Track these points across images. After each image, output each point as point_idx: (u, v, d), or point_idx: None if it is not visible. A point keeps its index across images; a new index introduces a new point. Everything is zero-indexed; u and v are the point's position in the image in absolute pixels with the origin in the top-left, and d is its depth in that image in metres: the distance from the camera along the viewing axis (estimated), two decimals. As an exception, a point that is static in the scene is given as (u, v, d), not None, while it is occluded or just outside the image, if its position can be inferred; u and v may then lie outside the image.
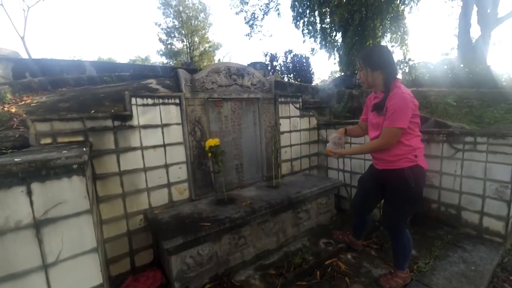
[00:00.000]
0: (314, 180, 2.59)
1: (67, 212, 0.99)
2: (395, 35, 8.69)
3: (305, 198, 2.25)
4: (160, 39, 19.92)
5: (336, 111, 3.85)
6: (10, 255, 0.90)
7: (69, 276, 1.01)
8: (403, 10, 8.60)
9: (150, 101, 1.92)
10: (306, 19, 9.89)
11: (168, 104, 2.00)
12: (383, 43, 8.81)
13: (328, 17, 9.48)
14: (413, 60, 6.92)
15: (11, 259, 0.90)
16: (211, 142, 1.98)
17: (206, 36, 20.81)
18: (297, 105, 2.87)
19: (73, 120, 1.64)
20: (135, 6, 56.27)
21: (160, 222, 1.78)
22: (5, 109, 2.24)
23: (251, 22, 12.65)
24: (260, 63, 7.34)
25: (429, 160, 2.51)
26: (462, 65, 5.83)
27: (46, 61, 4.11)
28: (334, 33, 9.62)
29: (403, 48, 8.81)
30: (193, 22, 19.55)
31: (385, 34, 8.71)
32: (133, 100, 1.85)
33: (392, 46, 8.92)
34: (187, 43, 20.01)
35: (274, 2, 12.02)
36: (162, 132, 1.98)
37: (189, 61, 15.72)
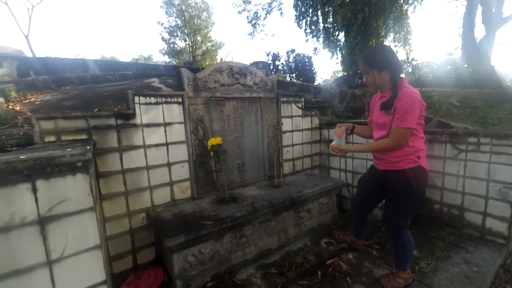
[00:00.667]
0: (316, 180, 2.59)
1: (71, 209, 1.00)
2: (398, 34, 8.64)
3: (307, 198, 2.25)
4: (162, 38, 19.99)
5: (338, 111, 3.84)
6: (15, 251, 0.91)
7: (73, 272, 1.02)
8: (406, 10, 8.55)
9: (153, 100, 1.93)
10: (308, 19, 9.86)
11: (171, 103, 2.01)
12: (386, 42, 8.76)
13: (331, 16, 9.45)
14: (416, 60, 6.87)
15: (16, 255, 0.91)
16: (214, 141, 1.99)
17: (208, 35, 20.84)
18: (299, 105, 2.87)
19: (77, 118, 1.65)
20: (138, 5, 56.46)
21: (162, 220, 1.79)
22: (10, 107, 2.26)
23: (253, 21, 12.65)
24: (263, 62, 7.33)
25: (432, 161, 2.50)
26: (466, 65, 5.78)
27: (50, 59, 4.14)
28: (337, 33, 9.58)
29: (406, 47, 8.77)
30: (195, 21, 19.57)
31: (388, 34, 8.67)
32: (136, 99, 1.86)
33: (395, 46, 8.87)
34: (190, 42, 20.04)
35: (276, 1, 12.02)
36: (165, 131, 1.99)
37: (192, 60, 15.74)
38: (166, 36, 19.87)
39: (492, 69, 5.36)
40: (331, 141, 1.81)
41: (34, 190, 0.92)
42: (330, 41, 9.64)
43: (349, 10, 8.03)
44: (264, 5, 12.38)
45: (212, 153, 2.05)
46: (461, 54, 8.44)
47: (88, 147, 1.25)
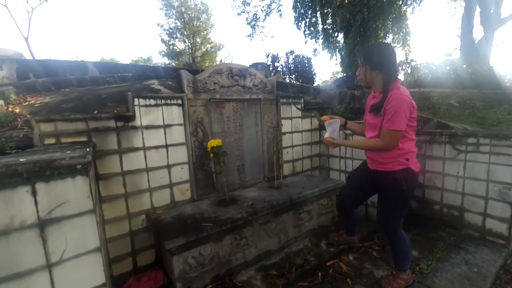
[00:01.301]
0: (316, 181, 2.59)
1: (71, 212, 1.00)
2: (397, 35, 8.67)
3: (307, 199, 2.25)
4: (162, 40, 20.02)
5: (338, 112, 3.84)
6: (15, 254, 0.91)
7: (73, 275, 1.02)
8: (405, 11, 8.59)
9: (152, 101, 1.93)
10: (307, 20, 9.90)
11: (171, 104, 2.01)
12: (385, 44, 8.76)
13: (330, 17, 9.48)
14: (415, 61, 6.89)
15: (15, 258, 0.91)
16: (213, 142, 1.99)
17: (208, 37, 20.88)
18: (299, 106, 2.88)
19: (76, 120, 1.65)
20: (137, 7, 56.60)
21: (162, 222, 1.78)
22: (10, 109, 2.26)
23: (253, 23, 12.69)
24: (262, 64, 7.34)
25: (431, 161, 2.50)
26: (464, 66, 5.80)
27: (49, 62, 4.15)
28: (336, 34, 9.62)
29: (405, 48, 8.80)
30: (195, 23, 19.61)
31: (387, 35, 8.71)
32: (136, 101, 1.86)
33: (394, 47, 8.90)
34: (189, 44, 20.08)
35: (276, 3, 12.05)
36: (165, 133, 1.99)
37: (191, 61, 15.77)
38: (166, 38, 19.93)
39: (491, 70, 5.38)
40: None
41: (34, 193, 0.92)
42: (329, 42, 9.67)
43: (348, 12, 8.06)
44: (263, 7, 12.43)
45: (212, 155, 2.05)
46: (460, 54, 8.47)
47: (87, 149, 1.25)
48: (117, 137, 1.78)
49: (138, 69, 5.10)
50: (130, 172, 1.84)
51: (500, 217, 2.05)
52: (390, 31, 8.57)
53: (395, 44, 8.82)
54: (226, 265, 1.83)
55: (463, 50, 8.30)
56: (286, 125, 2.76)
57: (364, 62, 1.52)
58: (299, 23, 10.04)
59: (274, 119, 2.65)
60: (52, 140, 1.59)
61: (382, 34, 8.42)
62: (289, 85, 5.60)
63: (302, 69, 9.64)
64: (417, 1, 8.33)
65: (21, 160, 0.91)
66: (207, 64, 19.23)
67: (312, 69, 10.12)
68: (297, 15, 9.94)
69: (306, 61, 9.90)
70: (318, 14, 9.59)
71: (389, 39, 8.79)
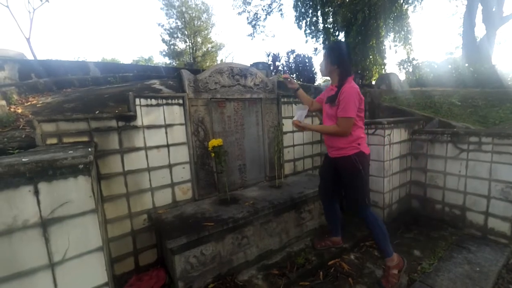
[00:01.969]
0: (317, 181, 2.58)
1: (73, 212, 1.00)
2: (398, 34, 8.65)
3: (308, 199, 2.25)
4: (163, 40, 20.05)
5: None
6: (18, 254, 0.91)
7: (75, 274, 1.02)
8: (406, 10, 8.56)
9: (153, 101, 1.93)
10: (308, 19, 9.89)
11: (172, 104, 2.01)
12: (386, 42, 8.76)
13: (330, 17, 9.47)
14: (417, 60, 6.90)
15: (18, 257, 0.91)
16: (214, 142, 1.99)
17: (208, 36, 20.89)
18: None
19: (78, 120, 1.66)
20: (138, 7, 56.65)
21: (163, 222, 1.79)
22: (12, 109, 2.27)
23: (253, 23, 12.68)
24: (263, 63, 7.34)
25: (433, 160, 2.50)
26: (466, 65, 5.78)
27: (51, 62, 4.16)
28: (336, 33, 9.60)
29: (407, 47, 8.77)
30: (196, 23, 19.63)
31: (388, 34, 8.68)
32: (137, 101, 1.86)
33: (395, 46, 8.88)
34: (190, 44, 20.10)
35: (276, 2, 12.05)
36: (166, 133, 2.00)
37: (192, 61, 15.78)
38: (167, 37, 19.96)
39: (493, 68, 5.35)
40: None
41: (36, 192, 0.93)
42: (330, 42, 9.65)
43: (349, 10, 8.04)
44: (264, 6, 12.43)
45: (213, 154, 2.05)
46: (462, 53, 8.44)
47: (89, 149, 1.26)
48: (118, 137, 1.78)
49: (139, 69, 5.11)
50: (131, 172, 1.85)
51: (503, 216, 2.05)
52: (391, 29, 8.54)
53: (397, 43, 8.79)
54: (228, 264, 1.83)
55: (465, 48, 8.26)
56: (287, 125, 2.75)
57: (327, 55, 1.74)
58: (300, 22, 10.03)
59: (275, 119, 2.65)
60: (54, 140, 1.59)
61: (383, 33, 8.39)
62: (290, 84, 5.57)
63: (303, 68, 9.64)
64: (418, -1, 8.31)
65: (23, 160, 0.92)
66: (208, 64, 19.25)
67: (313, 68, 10.12)
68: (298, 14, 9.93)
69: (307, 60, 9.90)
70: (319, 13, 9.58)
71: (390, 37, 8.77)
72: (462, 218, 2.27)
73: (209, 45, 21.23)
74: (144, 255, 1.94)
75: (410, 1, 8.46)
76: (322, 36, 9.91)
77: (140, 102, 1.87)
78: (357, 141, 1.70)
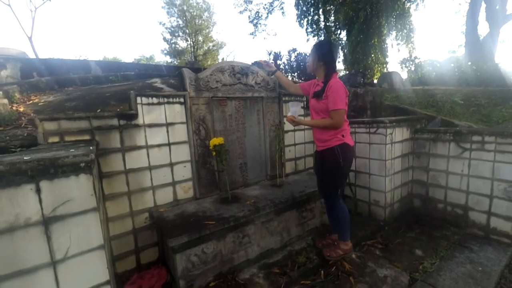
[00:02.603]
0: (318, 179, 2.58)
1: (75, 210, 1.01)
2: (400, 32, 8.59)
3: (309, 197, 2.25)
4: (164, 38, 20.04)
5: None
6: (20, 252, 0.92)
7: (77, 272, 1.03)
8: (409, 8, 8.50)
9: (155, 100, 1.93)
10: (310, 18, 9.85)
11: (173, 103, 2.01)
12: (388, 41, 8.71)
13: (332, 15, 9.43)
14: (419, 58, 6.85)
15: (20, 255, 0.92)
16: (216, 141, 1.99)
17: (210, 35, 20.86)
18: (302, 104, 2.85)
19: (80, 119, 1.66)
20: (139, 6, 56.64)
21: (165, 220, 1.79)
22: (14, 108, 2.28)
23: (255, 21, 12.64)
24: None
25: (435, 159, 2.48)
26: (469, 63, 5.73)
27: (53, 61, 4.17)
28: (338, 31, 9.57)
29: (409, 46, 8.72)
30: (197, 21, 19.60)
31: (391, 32, 8.63)
32: (139, 99, 1.86)
33: (397, 44, 8.83)
34: (191, 42, 20.07)
35: (278, 0, 12.00)
36: (167, 131, 2.00)
37: (193, 60, 15.77)
38: (168, 36, 19.94)
39: (496, 67, 5.31)
40: None
41: (38, 191, 0.93)
42: (331, 40, 9.61)
43: (350, 9, 8.00)
44: (265, 5, 12.37)
45: (214, 153, 2.05)
46: (465, 51, 8.37)
47: (91, 147, 1.26)
48: (120, 136, 1.79)
49: (140, 67, 5.11)
50: (133, 170, 1.85)
51: (505, 216, 2.04)
52: (394, 28, 8.49)
53: (399, 41, 8.74)
54: (229, 263, 1.83)
55: (468, 47, 8.20)
56: (288, 123, 2.74)
57: (314, 53, 1.80)
58: (302, 21, 10.00)
59: (276, 117, 2.64)
60: (56, 139, 1.60)
61: (385, 31, 8.35)
62: (292, 83, 5.56)
63: (304, 67, 9.60)
64: (421, -3, 8.24)
65: (25, 158, 0.92)
66: (209, 63, 19.23)
67: (314, 67, 10.04)
68: (299, 12, 9.89)
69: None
70: (321, 11, 9.54)
71: (392, 36, 8.72)
72: (465, 217, 2.25)
73: (210, 44, 21.21)
74: (146, 253, 1.95)
75: (412, -1, 8.40)
76: (324, 34, 9.86)
77: (141, 100, 1.87)
78: (341, 132, 1.77)
